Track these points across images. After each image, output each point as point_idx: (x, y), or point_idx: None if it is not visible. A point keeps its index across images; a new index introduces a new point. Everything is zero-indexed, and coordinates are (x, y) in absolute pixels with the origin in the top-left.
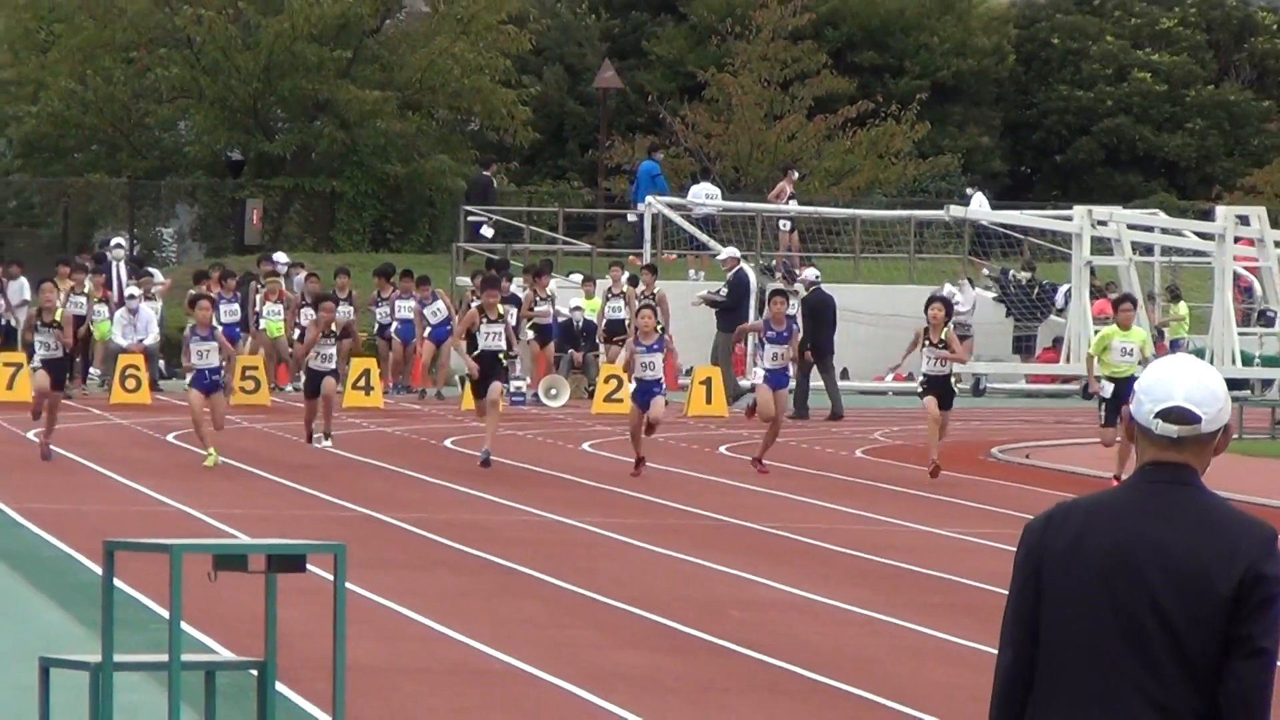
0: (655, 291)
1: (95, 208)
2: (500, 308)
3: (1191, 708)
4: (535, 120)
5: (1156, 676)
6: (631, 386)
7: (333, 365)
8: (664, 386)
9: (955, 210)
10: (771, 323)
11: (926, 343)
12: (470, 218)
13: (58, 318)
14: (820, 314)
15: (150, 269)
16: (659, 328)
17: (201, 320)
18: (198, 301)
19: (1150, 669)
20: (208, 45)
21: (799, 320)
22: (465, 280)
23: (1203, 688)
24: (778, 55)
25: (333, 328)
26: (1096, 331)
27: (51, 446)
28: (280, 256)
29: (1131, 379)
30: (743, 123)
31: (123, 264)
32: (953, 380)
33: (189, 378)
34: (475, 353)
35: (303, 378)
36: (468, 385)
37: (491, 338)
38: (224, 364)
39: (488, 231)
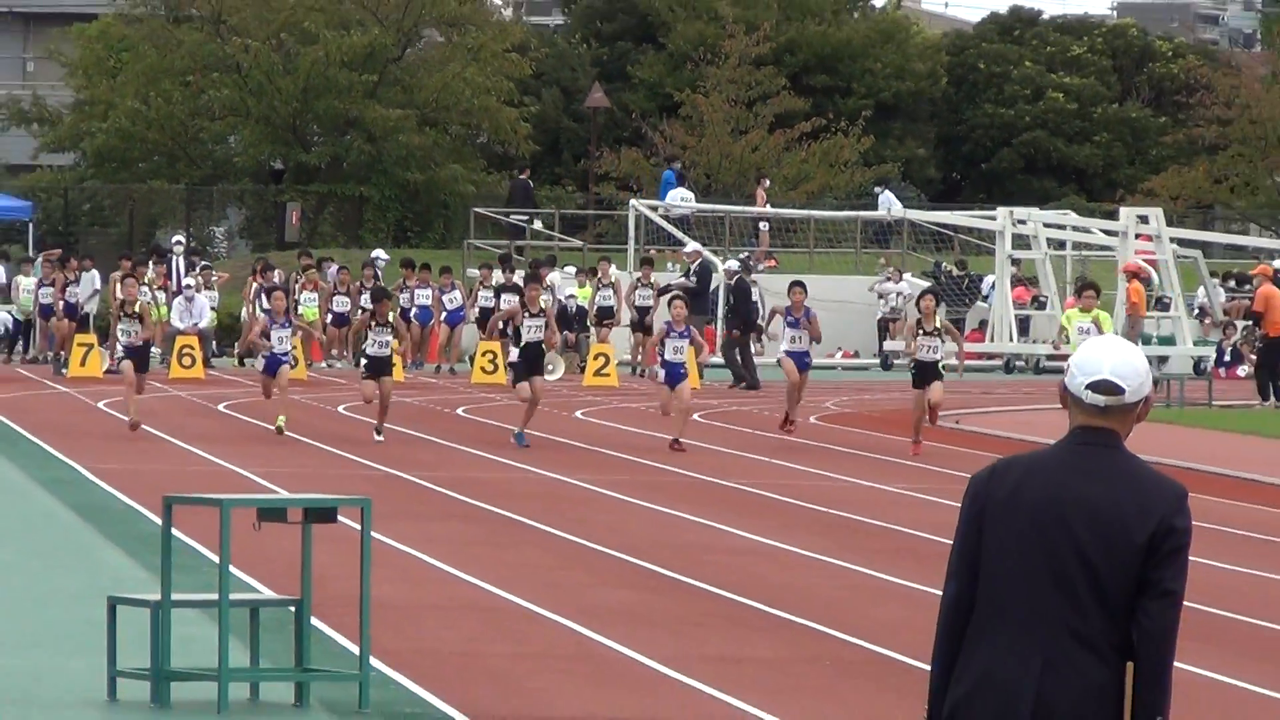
0: (652, 281)
1: (156, 210)
2: (541, 301)
3: (1109, 640)
4: (535, 135)
5: (1079, 612)
6: (661, 372)
7: (388, 352)
8: (687, 370)
9: (896, 212)
10: (791, 310)
11: (920, 331)
12: (512, 218)
13: (138, 309)
14: (741, 298)
15: (208, 264)
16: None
17: (278, 309)
18: (273, 293)
19: (1074, 605)
20: (254, 71)
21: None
22: (474, 272)
23: (1119, 623)
24: (743, 79)
25: (390, 319)
26: (1066, 314)
27: (137, 421)
28: (379, 253)
29: None
30: (713, 136)
31: (180, 258)
32: (940, 365)
33: (261, 361)
34: (520, 344)
35: (362, 363)
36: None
37: (534, 330)
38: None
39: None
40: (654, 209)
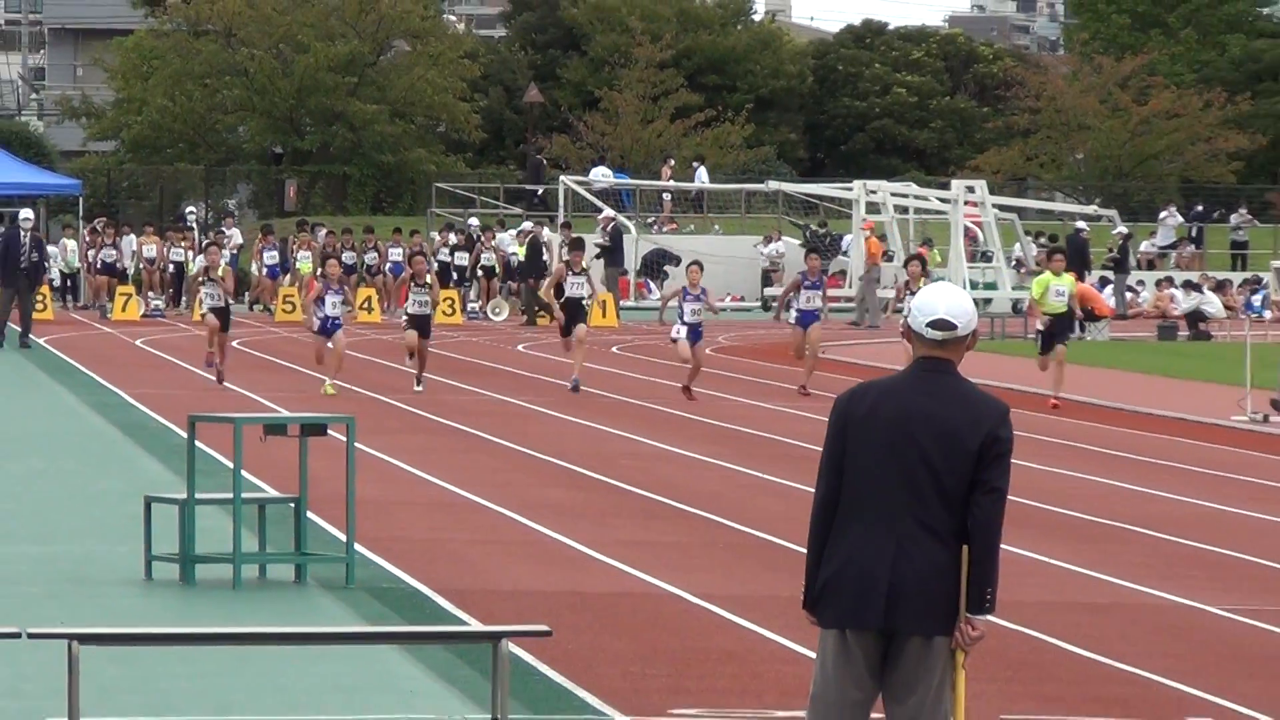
0: (584, 267)
1: (181, 187)
2: (584, 263)
3: (949, 527)
4: (483, 125)
5: (923, 504)
6: (682, 330)
7: (429, 311)
8: (701, 332)
9: (773, 185)
10: (808, 274)
11: (909, 293)
12: (535, 189)
13: (221, 274)
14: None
15: (223, 229)
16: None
17: (332, 276)
18: (327, 261)
19: (919, 499)
20: (258, 74)
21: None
22: (435, 235)
23: (955, 513)
24: (649, 79)
25: (427, 279)
26: (1037, 277)
27: (222, 372)
28: (478, 220)
29: (1063, 315)
30: (626, 125)
31: (197, 225)
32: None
33: (315, 323)
34: (562, 299)
35: (404, 318)
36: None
37: (575, 287)
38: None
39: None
40: (579, 182)
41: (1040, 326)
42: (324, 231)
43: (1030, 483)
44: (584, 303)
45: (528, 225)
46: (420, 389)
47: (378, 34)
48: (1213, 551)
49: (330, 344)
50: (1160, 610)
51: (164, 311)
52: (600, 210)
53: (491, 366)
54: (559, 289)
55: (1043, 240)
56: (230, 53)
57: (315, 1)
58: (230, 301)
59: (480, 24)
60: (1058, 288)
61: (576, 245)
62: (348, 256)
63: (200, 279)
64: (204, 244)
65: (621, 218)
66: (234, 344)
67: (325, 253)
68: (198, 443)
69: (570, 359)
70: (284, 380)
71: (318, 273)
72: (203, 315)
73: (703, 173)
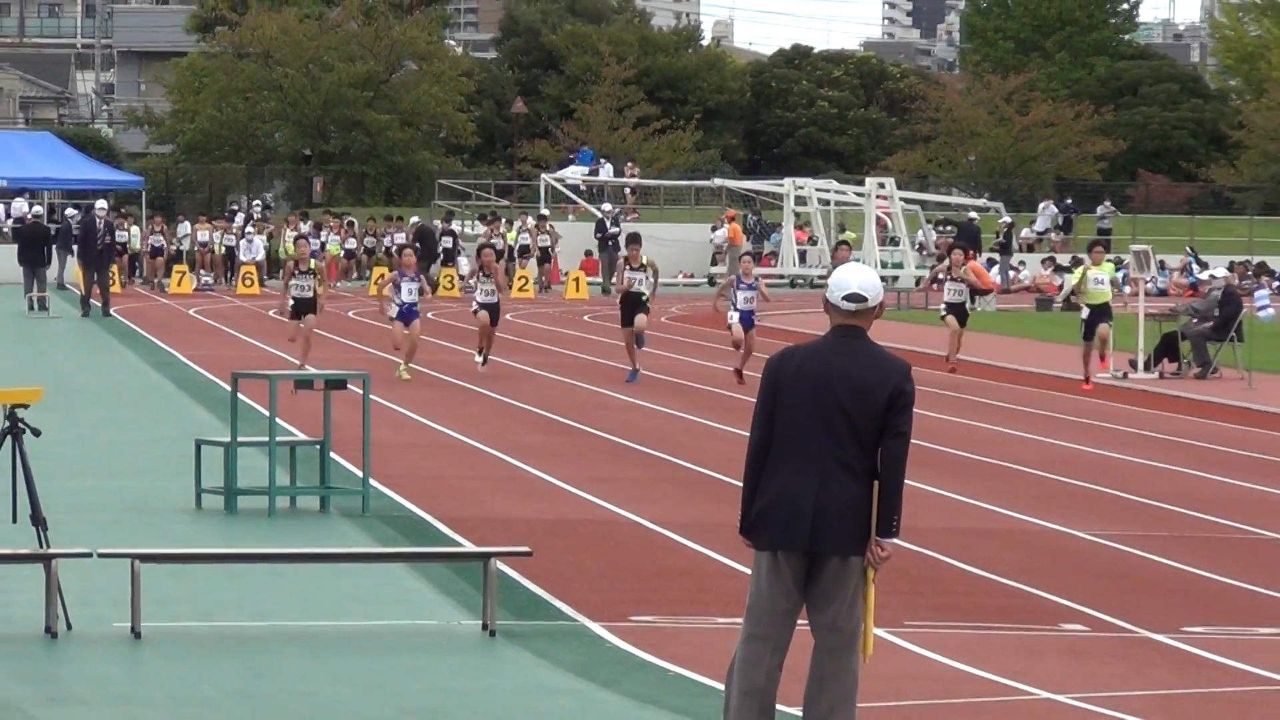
0: (644, 262)
1: (227, 183)
2: (643, 258)
3: (863, 466)
4: (477, 132)
5: (842, 447)
6: (735, 315)
7: (495, 299)
8: (753, 318)
9: (718, 181)
10: (742, 277)
11: (949, 277)
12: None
13: (312, 266)
14: (616, 236)
15: (263, 216)
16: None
17: (407, 264)
18: (403, 251)
19: (838, 443)
20: (291, 90)
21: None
22: (436, 223)
23: (869, 454)
24: (616, 94)
25: (492, 270)
26: (1080, 266)
27: (305, 363)
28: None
29: (1104, 305)
30: (596, 132)
31: (241, 214)
32: (967, 304)
33: (394, 309)
34: (622, 294)
35: (474, 306)
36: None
37: (636, 283)
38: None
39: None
40: (556, 179)
41: (1084, 315)
42: (348, 220)
43: (931, 428)
44: (644, 299)
45: (609, 206)
46: (483, 366)
47: (390, 56)
48: (1083, 486)
49: (406, 330)
50: (1039, 535)
51: (213, 286)
52: (575, 202)
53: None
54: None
55: (943, 228)
56: (268, 71)
57: (338, 29)
58: (318, 292)
59: (475, 48)
60: (1096, 276)
61: (634, 240)
62: (368, 240)
63: (293, 272)
64: (294, 237)
65: (591, 207)
66: (270, 313)
67: (401, 243)
68: (240, 395)
69: (628, 350)
70: (313, 345)
71: (391, 262)
72: (291, 306)
73: (606, 168)
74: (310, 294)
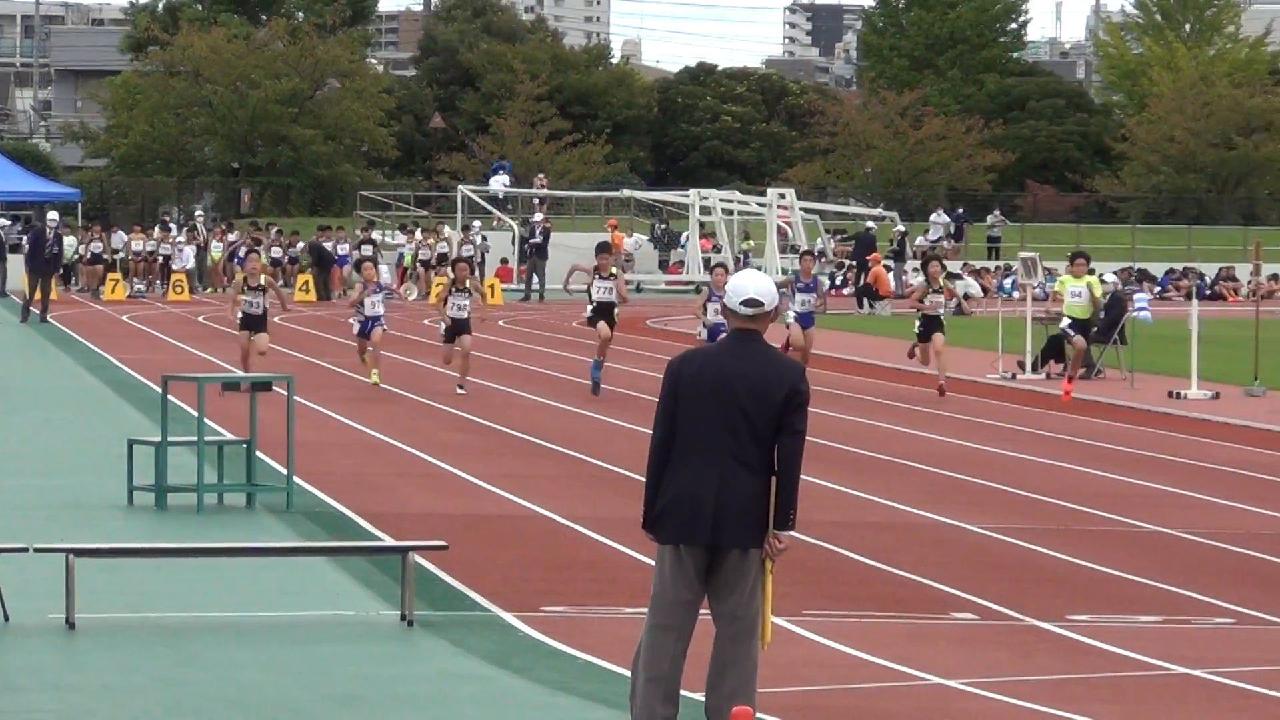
0: (613, 271)
1: (158, 195)
2: (613, 268)
3: (761, 463)
4: (397, 145)
5: (741, 445)
6: (791, 316)
7: (466, 315)
8: (814, 319)
9: (626, 192)
10: (801, 276)
11: (930, 290)
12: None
13: (261, 282)
14: (543, 244)
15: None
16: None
17: (369, 278)
18: (363, 265)
19: (738, 441)
20: (220, 106)
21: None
22: (358, 231)
23: (766, 451)
24: (529, 109)
25: (466, 284)
26: (1060, 279)
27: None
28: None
29: (1083, 320)
30: (510, 146)
31: (173, 225)
32: (943, 317)
33: (356, 326)
34: (593, 304)
35: (442, 326)
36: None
37: (604, 291)
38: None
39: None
40: (474, 190)
41: (1063, 325)
42: (274, 230)
43: (828, 427)
44: (613, 308)
45: (540, 216)
46: (462, 391)
47: (314, 74)
48: (971, 482)
49: (370, 344)
50: (929, 528)
51: (145, 294)
52: (491, 212)
53: (402, 336)
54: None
55: (841, 235)
56: (198, 89)
57: (265, 48)
58: (268, 308)
59: (395, 65)
60: (1074, 289)
61: (603, 249)
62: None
63: (241, 289)
64: (245, 252)
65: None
66: (200, 319)
67: (362, 256)
68: (170, 397)
69: (600, 349)
70: (237, 347)
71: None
72: (238, 320)
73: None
74: (260, 310)
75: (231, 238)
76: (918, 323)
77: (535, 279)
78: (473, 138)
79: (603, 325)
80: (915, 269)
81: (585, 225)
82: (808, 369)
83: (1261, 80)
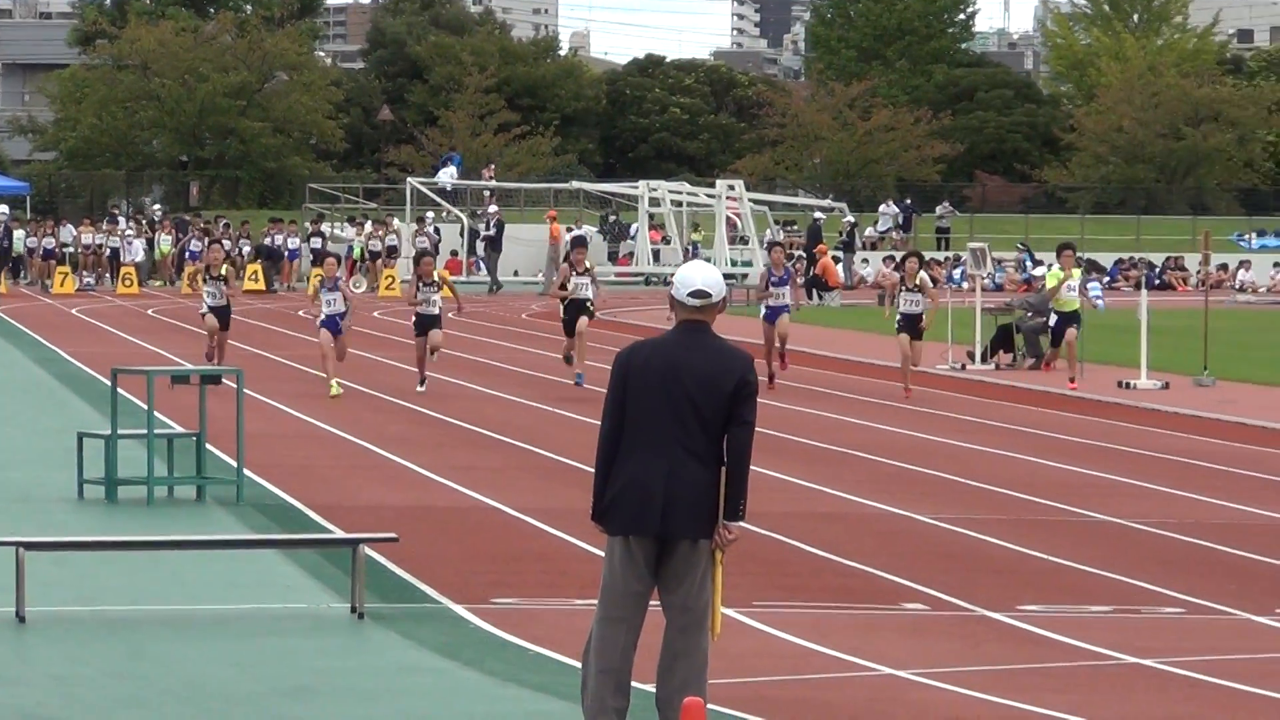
0: (588, 267)
1: (107, 188)
2: (588, 263)
3: (710, 453)
4: (346, 138)
5: (690, 436)
6: (763, 310)
7: (436, 310)
8: (789, 309)
9: (576, 184)
10: (773, 269)
11: (903, 288)
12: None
13: (223, 272)
14: (497, 236)
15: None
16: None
17: (328, 274)
18: (324, 259)
19: (687, 432)
20: (168, 99)
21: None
22: (308, 224)
23: (715, 442)
24: (477, 101)
25: (434, 278)
26: (1051, 270)
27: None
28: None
29: (1073, 311)
30: (459, 138)
31: (122, 218)
32: (922, 320)
33: (319, 320)
34: (567, 298)
35: (413, 319)
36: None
37: (580, 287)
38: (347, 309)
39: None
40: (423, 182)
41: (1050, 322)
42: (224, 223)
43: (778, 418)
44: (588, 304)
45: (494, 208)
46: (423, 389)
47: (262, 67)
48: (921, 472)
49: (332, 344)
50: (879, 518)
51: (94, 287)
52: (439, 204)
53: (355, 331)
54: (563, 286)
55: (791, 227)
56: (146, 82)
57: (213, 41)
58: (230, 301)
59: (344, 58)
60: (1069, 284)
61: (579, 244)
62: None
63: (202, 277)
64: (209, 242)
65: (500, 212)
66: (150, 312)
67: (320, 250)
68: (119, 390)
69: (574, 355)
70: (189, 342)
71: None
72: (203, 315)
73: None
74: (224, 301)
75: (187, 238)
76: (899, 321)
77: (483, 269)
78: (421, 130)
79: (583, 320)
80: (864, 260)
81: (534, 217)
82: (786, 361)
83: (1209, 70)
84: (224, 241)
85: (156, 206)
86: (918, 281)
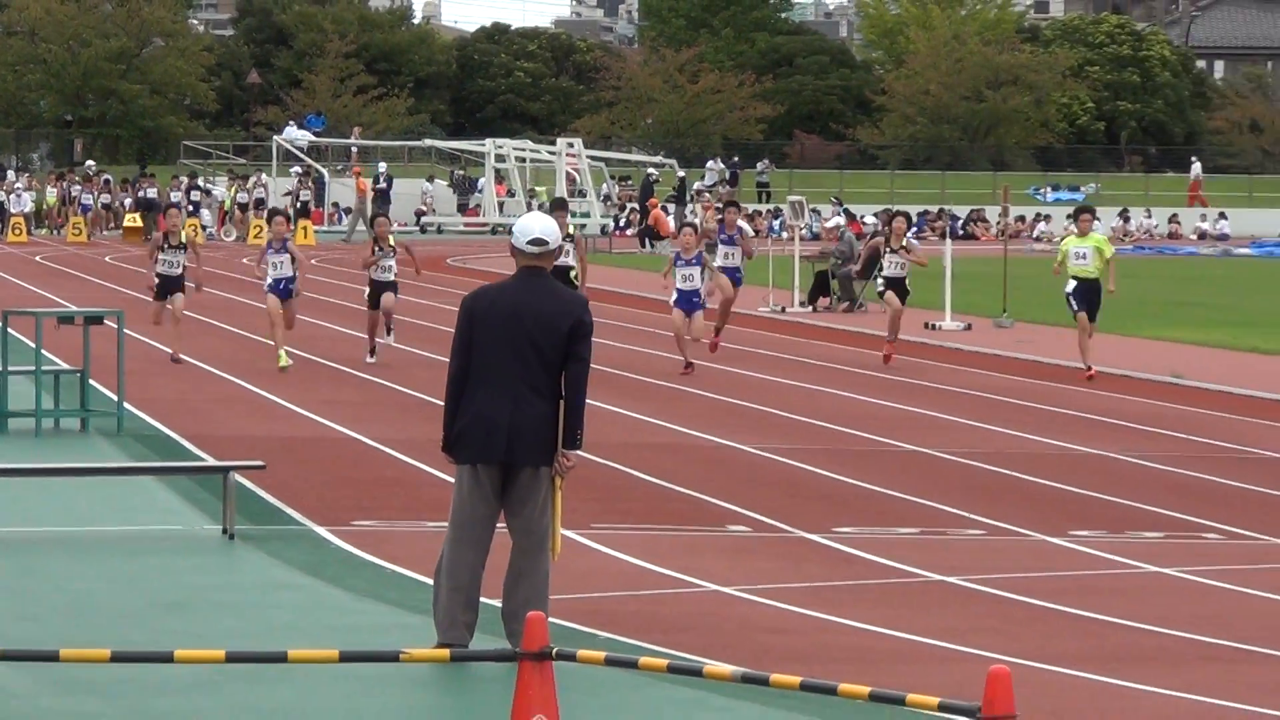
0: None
1: None
2: (571, 227)
3: (550, 388)
4: (217, 99)
5: (531, 372)
6: (673, 296)
7: (392, 277)
8: (701, 297)
9: (428, 142)
10: (725, 228)
11: (888, 250)
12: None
13: (183, 240)
14: (386, 190)
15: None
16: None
17: (276, 234)
18: (274, 217)
19: (528, 369)
20: (54, 63)
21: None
22: (184, 179)
23: (555, 379)
24: (339, 66)
25: (391, 243)
26: (1063, 240)
27: (178, 352)
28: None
29: (1091, 279)
30: (322, 100)
31: (11, 172)
32: (907, 280)
33: (266, 284)
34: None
35: (366, 290)
36: None
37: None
38: (296, 272)
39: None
40: (288, 141)
41: (1068, 289)
42: (105, 177)
43: (614, 357)
44: (571, 274)
45: (384, 168)
46: (390, 338)
47: (140, 34)
48: (744, 406)
49: (280, 310)
50: (708, 449)
51: None
52: (303, 160)
53: (225, 275)
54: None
55: (627, 181)
56: (33, 47)
57: (95, 9)
58: (185, 269)
59: (215, 26)
60: (1078, 250)
61: (560, 206)
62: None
63: (160, 245)
64: (165, 206)
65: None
66: (37, 258)
67: (273, 209)
68: (10, 330)
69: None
70: (73, 284)
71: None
72: (157, 286)
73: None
74: (179, 270)
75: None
76: (880, 283)
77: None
78: (287, 92)
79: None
80: (693, 211)
81: (396, 171)
82: (725, 324)
83: (1009, 38)
84: (104, 196)
85: (50, 165)
86: (904, 243)
